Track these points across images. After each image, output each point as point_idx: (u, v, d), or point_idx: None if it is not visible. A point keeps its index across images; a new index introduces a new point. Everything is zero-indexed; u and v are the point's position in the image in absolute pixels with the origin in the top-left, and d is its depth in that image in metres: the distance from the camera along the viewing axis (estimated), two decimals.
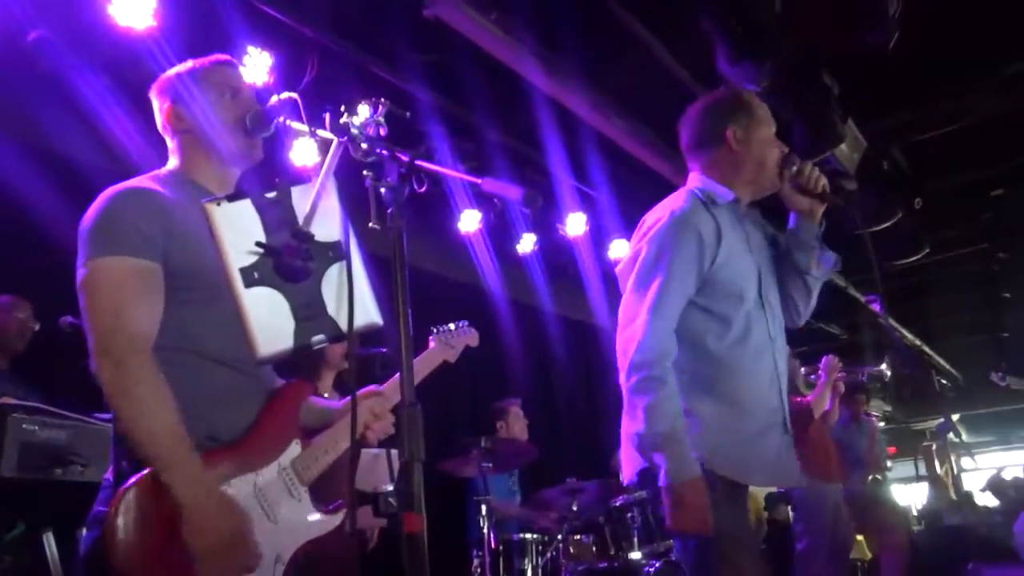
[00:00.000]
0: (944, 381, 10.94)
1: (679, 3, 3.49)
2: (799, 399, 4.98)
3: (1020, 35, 4.51)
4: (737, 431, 2.09)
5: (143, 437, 1.50)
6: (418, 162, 1.32)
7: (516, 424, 4.92)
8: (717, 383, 2.11)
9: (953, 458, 11.61)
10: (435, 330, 2.33)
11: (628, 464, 2.21)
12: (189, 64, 1.86)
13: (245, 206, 1.51)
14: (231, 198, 1.51)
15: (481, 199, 5.22)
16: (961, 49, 4.55)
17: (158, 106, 1.86)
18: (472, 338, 2.40)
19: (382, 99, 1.41)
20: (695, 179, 2.30)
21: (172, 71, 1.87)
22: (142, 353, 1.55)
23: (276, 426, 1.72)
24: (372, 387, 2.00)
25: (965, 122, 5.25)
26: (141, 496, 1.49)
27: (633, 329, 2.09)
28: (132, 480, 1.50)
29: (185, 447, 1.52)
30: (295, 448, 1.73)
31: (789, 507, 5.60)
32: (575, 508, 4.32)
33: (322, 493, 1.76)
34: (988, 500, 8.19)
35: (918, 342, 9.40)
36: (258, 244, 1.48)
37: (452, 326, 2.36)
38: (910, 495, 12.37)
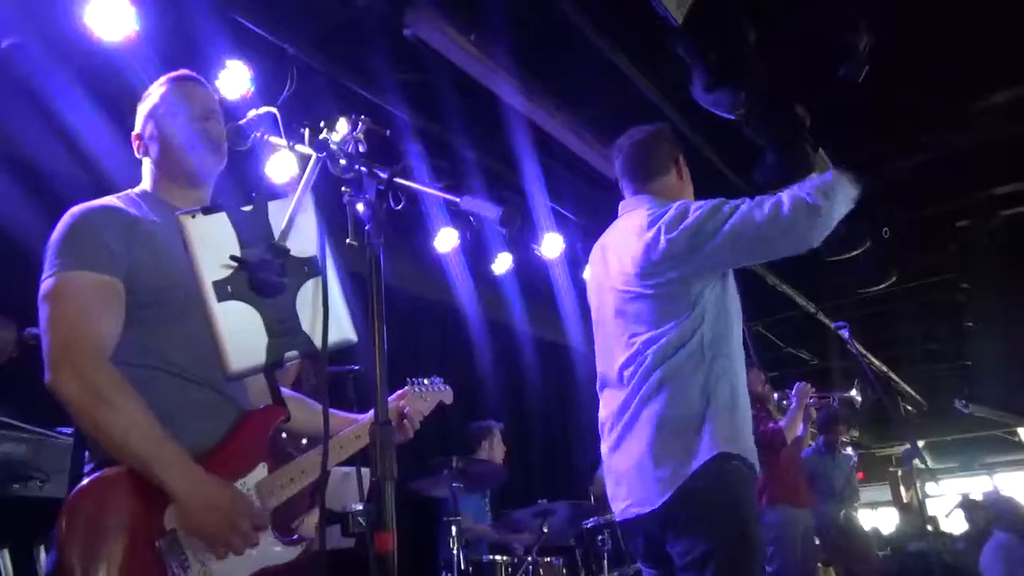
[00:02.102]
0: (910, 408, 11.10)
1: (655, 31, 3.54)
2: (771, 424, 5.02)
3: (985, 72, 4.65)
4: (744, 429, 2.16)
5: (123, 440, 1.49)
6: (397, 179, 1.32)
7: (498, 446, 4.91)
8: (735, 376, 2.19)
9: (918, 484, 11.76)
10: (410, 381, 2.32)
11: (649, 482, 2.11)
12: (161, 80, 1.87)
13: (221, 219, 1.50)
14: (207, 211, 1.50)
15: (457, 218, 5.23)
16: (929, 84, 4.67)
17: (135, 125, 1.87)
18: (446, 395, 2.38)
19: (362, 116, 1.42)
20: (653, 201, 2.39)
21: (147, 91, 1.88)
22: (103, 362, 1.54)
23: (243, 447, 1.68)
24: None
25: (933, 154, 5.38)
26: (86, 507, 1.46)
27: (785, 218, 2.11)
28: (81, 485, 1.48)
29: (167, 442, 1.52)
30: (261, 471, 1.69)
31: None
32: (546, 530, 4.30)
33: (283, 522, 1.72)
34: (953, 526, 8.29)
35: (884, 368, 9.53)
36: (232, 258, 1.47)
37: (426, 381, 2.35)
38: (876, 520, 12.49)
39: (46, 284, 1.59)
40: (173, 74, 1.86)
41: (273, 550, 1.64)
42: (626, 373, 2.22)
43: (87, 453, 1.63)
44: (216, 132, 1.81)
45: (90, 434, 1.55)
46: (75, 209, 1.67)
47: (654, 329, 2.18)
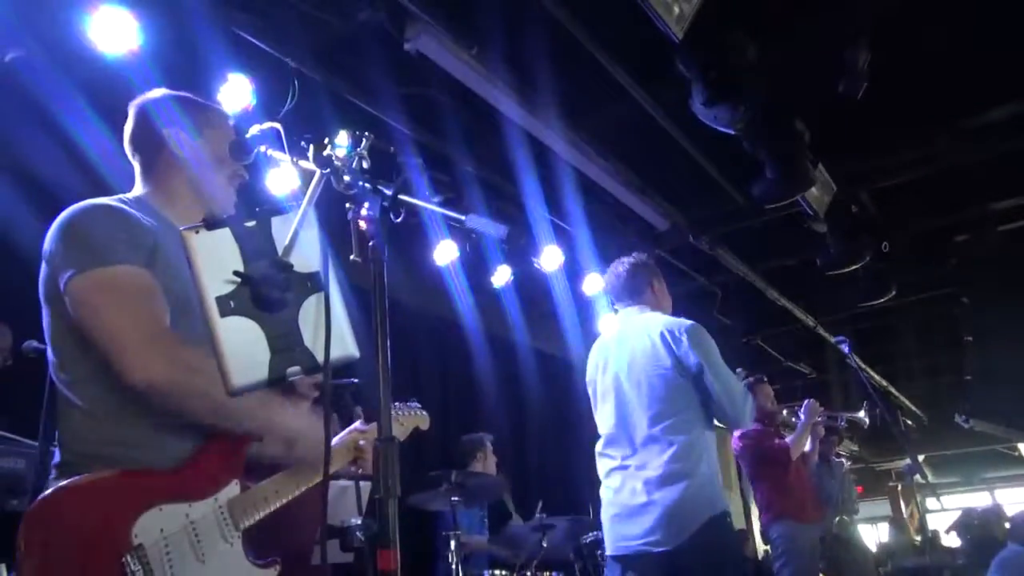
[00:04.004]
0: (909, 422, 11.09)
1: (655, 46, 3.56)
2: (777, 441, 5.03)
3: (983, 89, 4.68)
4: None
5: (224, 400, 1.47)
6: (401, 196, 1.32)
7: (491, 458, 4.90)
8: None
9: (918, 499, 11.73)
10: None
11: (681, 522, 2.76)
12: (195, 98, 1.85)
13: (224, 235, 1.49)
14: (210, 226, 1.49)
15: (455, 231, 5.23)
16: (927, 100, 4.70)
17: (148, 124, 1.80)
18: (423, 421, 2.36)
19: (365, 132, 1.42)
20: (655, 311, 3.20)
21: (145, 99, 1.83)
22: (173, 337, 1.56)
23: (216, 461, 1.64)
24: (357, 426, 1.98)
25: (931, 170, 5.40)
26: (47, 521, 1.41)
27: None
28: (44, 495, 1.43)
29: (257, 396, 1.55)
30: (233, 488, 1.64)
31: (764, 545, 5.61)
32: (544, 544, 4.28)
33: (257, 544, 1.66)
34: (952, 541, 8.25)
35: (884, 383, 9.53)
36: (235, 273, 1.47)
37: (399, 404, 2.34)
38: (875, 535, 12.44)
39: (81, 285, 1.54)
40: (209, 103, 1.87)
41: (245, 572, 1.60)
42: None
43: (55, 452, 1.59)
44: (230, 169, 1.81)
45: (194, 411, 1.56)
46: (77, 207, 1.63)
47: None
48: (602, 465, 3.08)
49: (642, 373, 2.95)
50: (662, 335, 2.93)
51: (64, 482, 1.46)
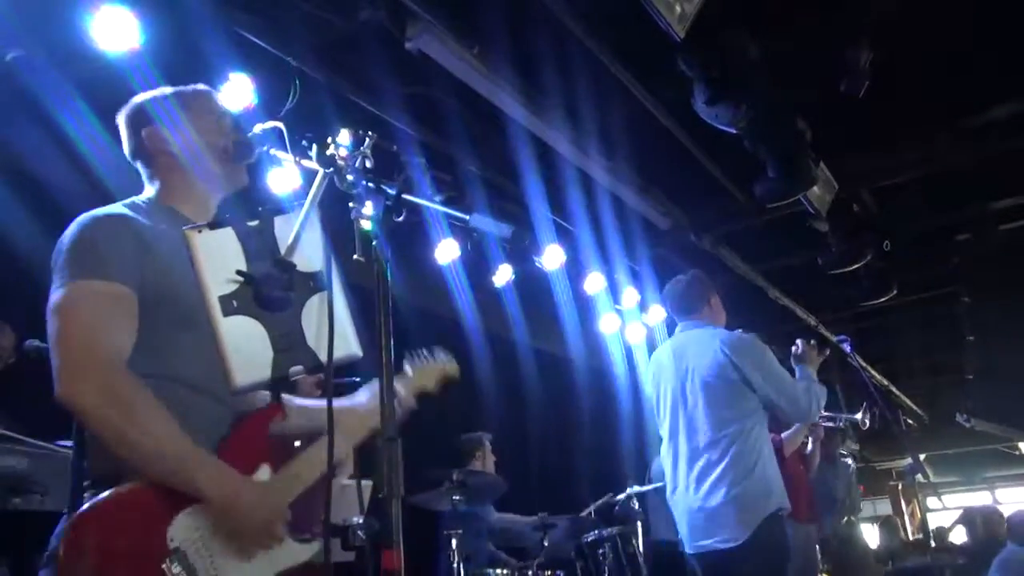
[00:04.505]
0: (910, 421, 11.09)
1: (657, 45, 3.55)
2: (771, 435, 5.01)
3: (985, 87, 4.68)
4: None
5: (155, 448, 1.46)
6: (404, 195, 1.32)
7: (490, 457, 4.90)
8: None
9: (919, 498, 11.72)
10: (408, 355, 2.26)
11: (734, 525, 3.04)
12: (168, 90, 1.84)
13: (227, 234, 1.49)
14: (213, 226, 1.49)
15: (457, 230, 5.23)
16: (928, 99, 4.69)
17: (133, 131, 1.82)
18: (452, 369, 2.30)
19: (368, 132, 1.42)
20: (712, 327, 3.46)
21: (147, 96, 1.84)
22: (123, 370, 1.51)
23: (240, 450, 1.64)
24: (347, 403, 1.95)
25: (932, 169, 5.40)
26: (86, 538, 1.41)
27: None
28: (84, 508, 1.44)
29: (193, 447, 1.50)
30: (264, 473, 1.65)
31: None
32: (546, 543, 4.28)
33: (296, 520, 1.66)
34: (956, 539, 8.26)
35: (885, 381, 9.53)
36: (238, 272, 1.47)
37: (426, 352, 2.29)
38: (876, 534, 12.45)
39: (57, 295, 1.54)
40: (182, 88, 1.85)
41: (287, 549, 1.62)
42: None
43: (87, 468, 1.60)
44: (222, 139, 1.79)
45: (112, 446, 1.49)
46: (84, 217, 1.63)
47: None
48: (668, 470, 3.39)
49: (700, 383, 3.26)
50: (718, 348, 3.23)
51: (94, 500, 1.46)
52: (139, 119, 1.82)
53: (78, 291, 1.53)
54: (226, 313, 1.46)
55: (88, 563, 1.39)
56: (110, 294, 1.55)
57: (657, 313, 6.69)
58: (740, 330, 3.38)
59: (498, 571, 4.06)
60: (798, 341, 3.69)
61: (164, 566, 1.45)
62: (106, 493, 1.47)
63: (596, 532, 4.68)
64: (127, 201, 1.76)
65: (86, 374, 1.47)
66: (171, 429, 1.49)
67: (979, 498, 12.84)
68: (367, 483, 1.63)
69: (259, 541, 1.52)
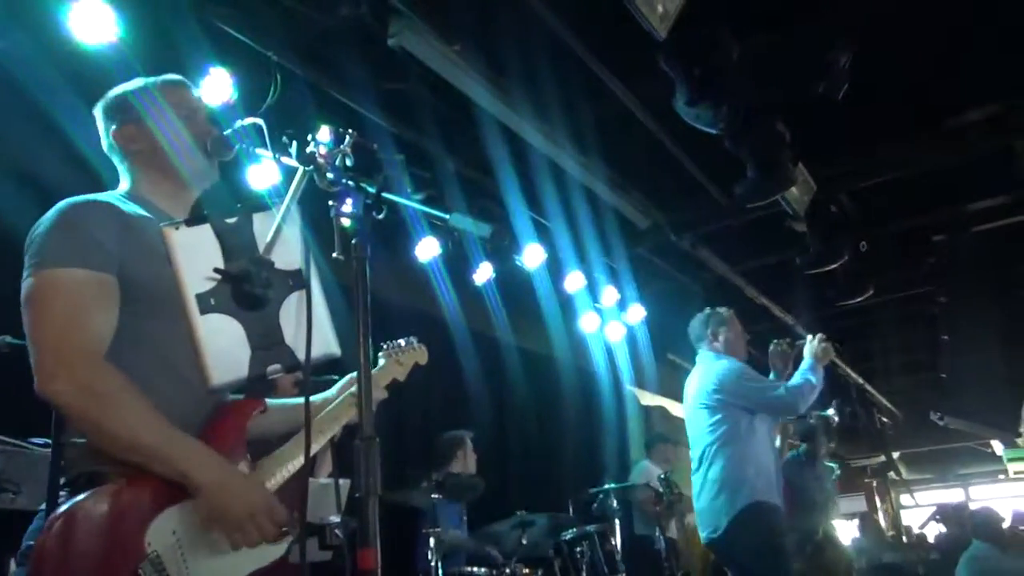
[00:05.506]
0: (885, 419, 11.22)
1: (639, 45, 3.56)
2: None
3: (961, 90, 4.74)
4: None
5: (131, 437, 1.44)
6: (384, 194, 1.31)
7: (471, 456, 4.88)
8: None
9: (893, 495, 11.88)
10: (383, 346, 2.26)
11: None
12: (141, 82, 1.82)
13: (204, 231, 1.48)
14: (190, 222, 1.48)
15: (437, 228, 5.21)
16: (906, 102, 4.75)
17: (107, 125, 1.81)
18: (421, 355, 2.30)
19: (349, 130, 1.41)
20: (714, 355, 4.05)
21: (122, 88, 1.82)
22: (99, 361, 1.48)
23: (222, 443, 1.61)
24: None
25: (909, 170, 5.47)
26: (61, 541, 1.38)
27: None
28: (61, 510, 1.42)
29: (179, 433, 1.48)
30: (243, 468, 1.62)
31: None
32: (524, 541, 4.28)
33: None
34: (929, 535, 8.38)
35: (860, 380, 9.64)
36: (216, 270, 1.46)
37: (402, 342, 2.29)
38: (850, 531, 12.59)
39: (30, 282, 1.51)
40: (157, 78, 1.83)
41: (260, 549, 1.58)
42: None
43: (65, 468, 1.57)
44: (199, 130, 1.77)
45: (92, 438, 1.48)
46: (63, 203, 1.60)
47: None
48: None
49: (695, 404, 3.92)
50: (704, 377, 3.92)
51: (73, 501, 1.43)
52: (113, 112, 1.80)
53: (52, 280, 1.50)
54: (203, 311, 1.45)
55: (64, 564, 1.37)
56: (87, 282, 1.52)
57: (637, 312, 6.72)
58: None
59: (476, 569, 4.06)
60: (776, 341, 4.24)
61: (140, 569, 1.43)
62: (84, 494, 1.45)
63: (574, 530, 4.70)
64: (105, 193, 1.73)
65: (63, 368, 1.44)
66: (153, 417, 1.47)
67: (952, 495, 13.04)
68: (345, 482, 1.62)
69: (245, 531, 1.49)
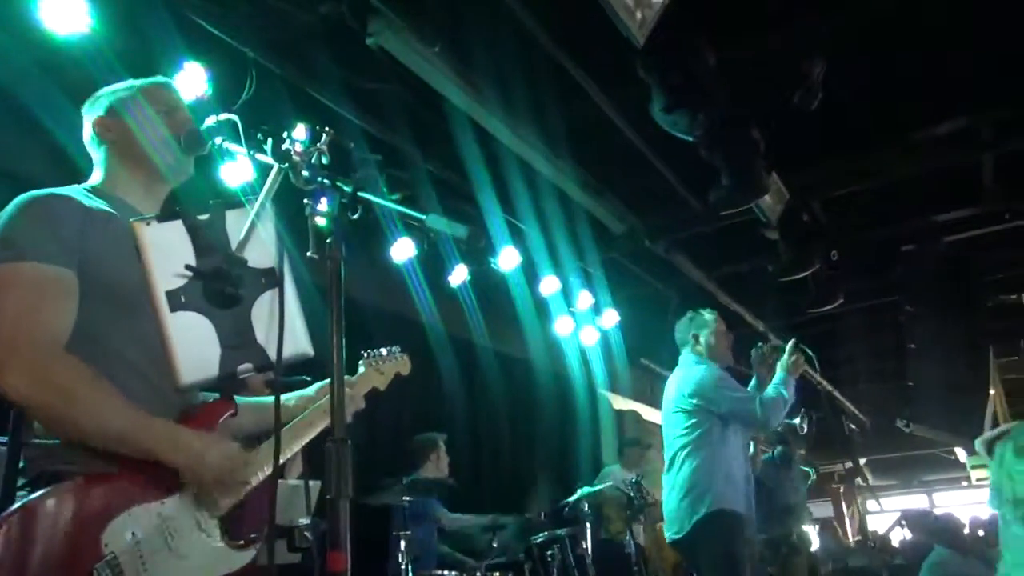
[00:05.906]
0: (853, 426, 11.36)
1: (616, 49, 3.58)
2: None
3: (930, 103, 4.83)
4: None
5: (95, 424, 1.42)
6: (360, 194, 1.30)
7: (444, 458, 4.87)
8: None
9: (859, 500, 12.03)
10: (365, 354, 2.25)
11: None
12: (127, 82, 1.84)
13: (176, 227, 1.46)
14: (161, 218, 1.46)
15: (413, 229, 5.19)
16: (877, 114, 4.83)
17: (88, 119, 1.81)
18: (403, 365, 2.29)
19: (325, 128, 1.40)
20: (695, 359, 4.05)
21: (109, 88, 1.83)
22: (57, 353, 1.46)
23: None
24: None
25: (879, 181, 5.56)
26: (13, 543, 1.34)
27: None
28: (14, 508, 1.38)
29: (144, 415, 1.47)
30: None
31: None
32: (495, 544, 4.28)
33: (232, 525, 1.63)
34: (895, 539, 8.49)
35: (828, 387, 9.74)
36: (187, 267, 1.44)
37: (384, 351, 2.27)
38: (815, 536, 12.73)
39: None
40: (142, 80, 1.83)
41: (225, 556, 1.57)
42: None
43: (24, 465, 1.53)
44: (175, 125, 1.76)
45: (55, 430, 1.46)
46: (24, 196, 1.58)
47: None
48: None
49: (671, 407, 3.94)
50: (682, 381, 3.94)
51: (28, 499, 1.39)
52: (95, 103, 1.81)
53: (7, 274, 1.48)
54: (173, 308, 1.42)
55: (15, 565, 1.33)
56: (44, 276, 1.49)
57: (611, 317, 6.74)
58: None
59: (447, 572, 4.05)
60: (759, 344, 4.27)
61: (95, 571, 1.39)
62: (42, 492, 1.41)
63: (545, 533, 4.70)
64: (71, 187, 1.71)
65: (17, 361, 1.42)
66: (117, 402, 1.45)
67: (917, 501, 13.26)
68: (315, 483, 1.60)
69: (230, 491, 1.52)
